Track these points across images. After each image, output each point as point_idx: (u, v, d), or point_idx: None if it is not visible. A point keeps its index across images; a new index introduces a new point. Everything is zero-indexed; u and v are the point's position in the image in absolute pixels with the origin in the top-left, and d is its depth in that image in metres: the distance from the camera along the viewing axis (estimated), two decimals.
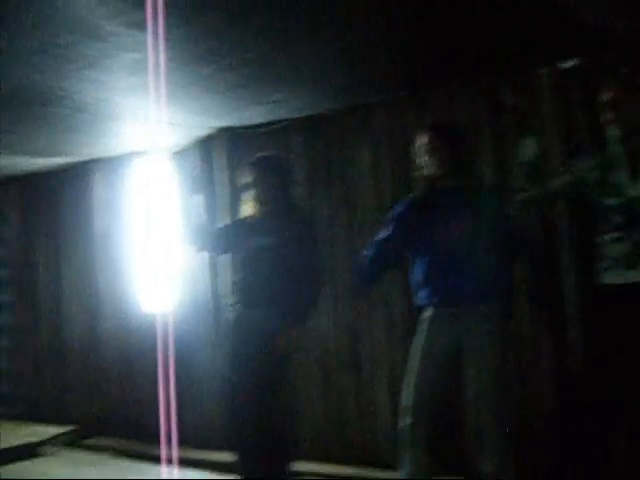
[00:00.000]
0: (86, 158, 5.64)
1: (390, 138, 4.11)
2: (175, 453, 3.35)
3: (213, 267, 4.80)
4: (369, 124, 4.26)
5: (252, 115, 4.39)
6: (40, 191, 6.43)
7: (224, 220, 4.47)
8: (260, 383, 3.43)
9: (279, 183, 3.54)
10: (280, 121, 4.47)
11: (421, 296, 3.23)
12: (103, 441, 5.26)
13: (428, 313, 3.21)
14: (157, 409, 3.50)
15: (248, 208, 3.62)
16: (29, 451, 4.80)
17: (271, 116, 4.42)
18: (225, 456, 4.34)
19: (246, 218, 3.62)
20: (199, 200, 3.71)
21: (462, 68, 3.66)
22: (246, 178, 3.58)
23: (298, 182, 3.90)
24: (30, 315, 6.49)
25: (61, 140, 4.95)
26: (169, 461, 3.60)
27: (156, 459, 4.24)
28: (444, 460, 3.39)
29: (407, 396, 3.20)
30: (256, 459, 3.45)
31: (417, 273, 3.24)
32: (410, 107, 4.01)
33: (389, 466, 3.72)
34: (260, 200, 3.53)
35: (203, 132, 4.74)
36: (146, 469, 4.03)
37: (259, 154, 3.67)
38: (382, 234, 3.28)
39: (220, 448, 4.61)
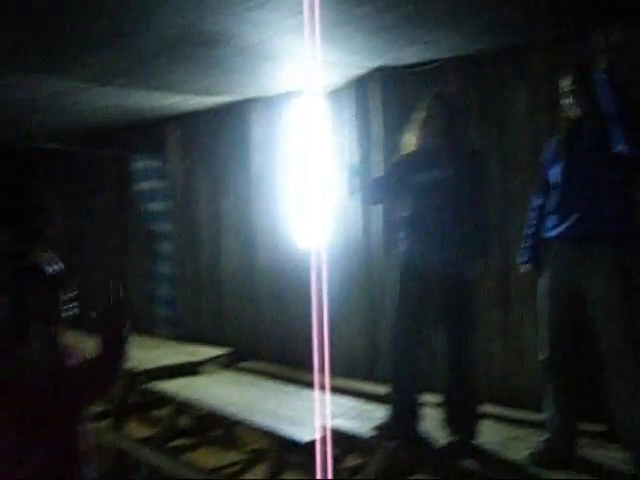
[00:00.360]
0: (243, 97, 5.85)
1: (548, 81, 3.97)
2: (326, 380, 3.55)
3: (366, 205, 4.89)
4: (526, 66, 4.14)
5: (406, 56, 4.37)
6: (199, 129, 6.77)
7: (378, 159, 4.52)
8: (433, 315, 3.52)
9: (452, 120, 3.54)
10: (434, 61, 4.43)
11: (547, 228, 3.25)
12: (257, 365, 5.61)
13: (553, 248, 3.22)
14: (306, 338, 3.69)
15: (412, 143, 3.63)
16: (191, 369, 5.20)
17: (425, 56, 4.38)
18: (371, 386, 4.55)
19: (410, 153, 3.64)
20: (354, 140, 3.76)
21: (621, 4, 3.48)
22: (419, 113, 3.60)
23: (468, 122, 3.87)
24: (190, 245, 6.94)
25: (219, 81, 5.16)
26: (321, 387, 3.82)
27: (306, 384, 4.51)
28: (585, 403, 3.39)
29: (542, 333, 3.24)
30: (414, 393, 3.59)
31: (548, 206, 3.24)
32: (569, 50, 3.85)
33: (534, 407, 3.74)
34: (431, 134, 3.55)
35: (358, 72, 4.77)
36: (299, 392, 4.29)
37: (435, 91, 3.72)
38: (535, 201, 3.41)
39: (364, 379, 4.82)
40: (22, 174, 9.63)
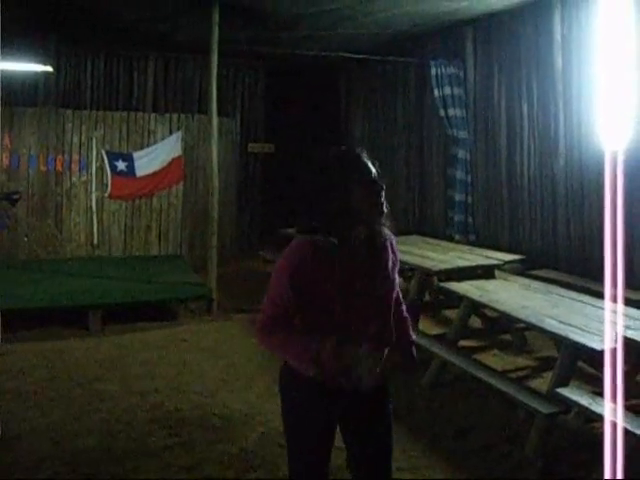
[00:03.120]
0: None
1: None
2: (619, 292, 3.39)
3: None
4: None
5: None
6: (496, 31, 6.62)
7: None
8: None
9: None
10: None
11: None
12: (550, 273, 5.52)
13: None
14: (602, 247, 3.55)
15: None
16: (484, 272, 5.29)
17: None
18: None
19: None
20: None
21: None
22: None
23: None
24: (487, 151, 6.91)
25: None
26: (613, 298, 3.66)
27: (599, 295, 4.35)
28: None
29: None
30: None
31: None
32: None
33: None
34: None
35: None
36: (591, 302, 4.16)
37: None
38: None
39: None
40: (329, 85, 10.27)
